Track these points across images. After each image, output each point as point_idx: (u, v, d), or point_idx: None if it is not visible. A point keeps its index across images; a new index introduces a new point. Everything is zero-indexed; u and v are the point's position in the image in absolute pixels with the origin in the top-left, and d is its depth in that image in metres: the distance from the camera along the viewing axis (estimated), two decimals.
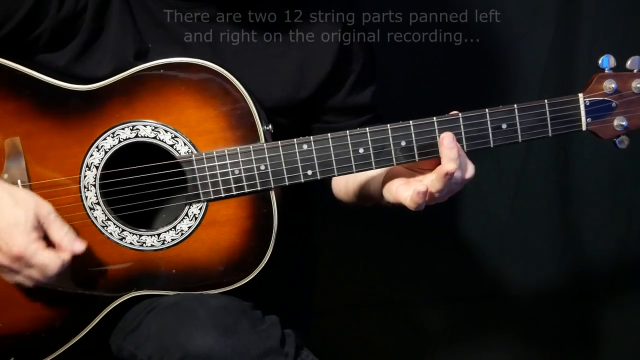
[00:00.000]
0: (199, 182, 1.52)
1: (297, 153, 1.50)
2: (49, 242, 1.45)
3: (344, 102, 1.73)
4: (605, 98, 1.51)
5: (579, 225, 2.52)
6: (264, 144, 1.51)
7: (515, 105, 1.49)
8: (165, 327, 1.48)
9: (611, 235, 2.52)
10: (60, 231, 1.45)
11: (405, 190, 1.49)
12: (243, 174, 1.51)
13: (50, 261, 1.43)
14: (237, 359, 1.43)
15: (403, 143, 1.50)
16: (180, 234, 1.54)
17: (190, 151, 1.52)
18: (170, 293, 1.55)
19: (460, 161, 1.46)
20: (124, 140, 1.52)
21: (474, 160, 1.51)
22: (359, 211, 2.08)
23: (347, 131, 1.50)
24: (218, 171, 1.51)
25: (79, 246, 1.46)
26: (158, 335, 1.48)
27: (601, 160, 2.42)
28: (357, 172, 1.51)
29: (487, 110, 1.49)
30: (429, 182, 1.47)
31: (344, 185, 1.78)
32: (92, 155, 1.52)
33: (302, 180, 1.51)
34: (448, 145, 1.45)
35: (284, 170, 1.51)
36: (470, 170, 1.49)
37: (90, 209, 1.54)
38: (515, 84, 2.39)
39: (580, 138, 2.24)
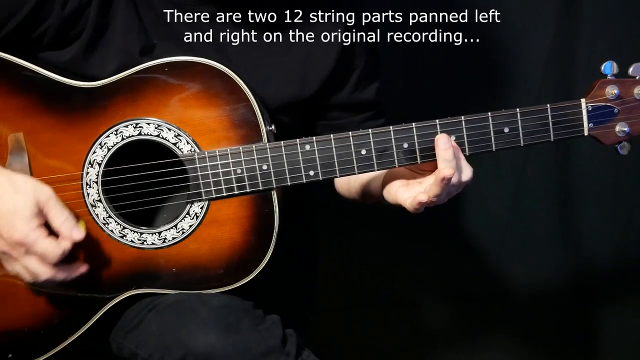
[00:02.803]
0: (201, 181, 1.52)
1: (300, 153, 1.50)
2: (50, 232, 1.44)
3: (348, 99, 1.73)
4: (608, 104, 1.51)
5: (579, 225, 2.53)
6: (267, 144, 1.51)
7: (517, 109, 1.49)
8: (166, 326, 1.48)
9: (611, 235, 2.53)
10: (59, 217, 1.44)
11: (405, 192, 1.51)
12: (245, 174, 1.51)
13: (51, 249, 1.41)
14: (238, 357, 1.43)
15: (405, 145, 1.50)
16: (181, 232, 1.54)
17: (192, 150, 1.51)
18: (170, 292, 1.55)
19: (456, 164, 1.46)
20: (127, 137, 1.52)
21: (475, 160, 1.51)
22: (360, 212, 2.08)
23: (350, 132, 1.50)
24: (220, 170, 1.51)
25: (78, 234, 1.44)
26: (159, 334, 1.48)
27: (601, 160, 2.43)
28: (359, 173, 1.51)
29: (489, 113, 1.49)
30: (428, 186, 1.48)
31: (346, 182, 1.78)
32: (95, 152, 1.52)
33: (305, 181, 1.51)
34: (443, 146, 1.46)
35: (286, 170, 1.51)
36: (467, 173, 1.49)
37: (92, 206, 1.53)
38: (515, 84, 2.40)
39: (580, 138, 2.25)
